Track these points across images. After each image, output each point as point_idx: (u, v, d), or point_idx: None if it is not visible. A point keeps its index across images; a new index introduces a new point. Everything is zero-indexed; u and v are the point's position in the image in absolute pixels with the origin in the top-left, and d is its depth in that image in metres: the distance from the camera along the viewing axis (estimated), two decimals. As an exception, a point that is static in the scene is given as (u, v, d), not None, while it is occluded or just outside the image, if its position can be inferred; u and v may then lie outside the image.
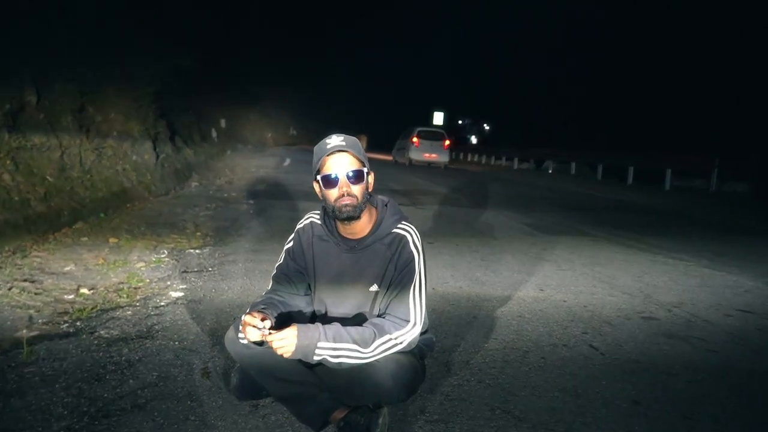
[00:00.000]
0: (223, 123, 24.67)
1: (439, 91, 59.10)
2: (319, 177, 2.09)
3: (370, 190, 2.17)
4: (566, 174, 22.31)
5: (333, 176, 2.06)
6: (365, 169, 2.10)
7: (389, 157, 27.01)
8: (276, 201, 9.11)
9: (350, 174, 2.06)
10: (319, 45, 57.37)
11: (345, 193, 2.06)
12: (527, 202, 11.59)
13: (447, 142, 23.11)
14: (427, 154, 22.82)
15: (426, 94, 58.97)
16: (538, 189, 15.17)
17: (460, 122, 63.88)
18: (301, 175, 13.92)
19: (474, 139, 58.74)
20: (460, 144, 42.72)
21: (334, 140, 2.08)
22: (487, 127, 59.58)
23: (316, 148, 2.13)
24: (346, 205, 2.07)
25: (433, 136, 23.23)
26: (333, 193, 2.09)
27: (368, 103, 62.86)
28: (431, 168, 22.01)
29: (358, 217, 2.11)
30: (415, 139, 22.88)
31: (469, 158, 33.76)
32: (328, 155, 2.07)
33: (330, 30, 62.18)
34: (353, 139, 2.13)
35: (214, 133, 21.84)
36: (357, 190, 2.07)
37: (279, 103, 41.57)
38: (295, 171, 15.32)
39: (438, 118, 50.96)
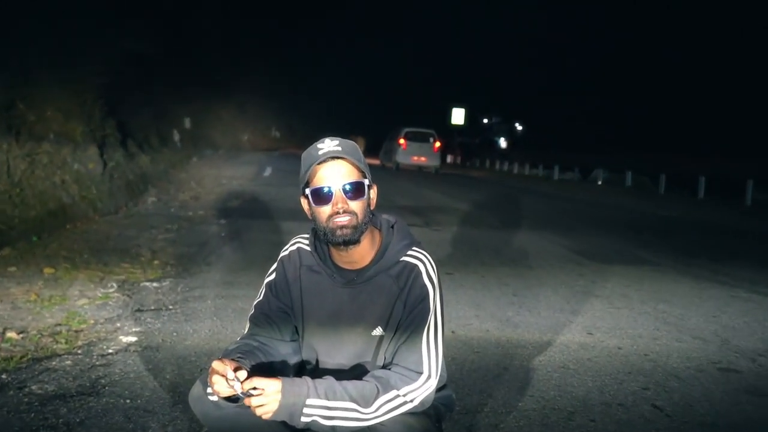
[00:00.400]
0: (187, 123, 24.84)
1: (459, 84, 59.69)
2: (308, 191, 2.10)
3: (372, 207, 2.18)
4: (620, 186, 22.37)
5: (325, 189, 2.07)
6: (366, 181, 2.11)
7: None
8: (254, 221, 9.13)
9: (347, 187, 2.07)
10: (308, 29, 58.04)
11: (341, 210, 2.07)
12: (571, 221, 11.59)
13: (437, 144, 25.31)
14: (415, 157, 24.92)
15: (443, 88, 59.51)
16: (585, 205, 15.17)
17: (485, 121, 64.16)
18: (286, 188, 13.97)
19: (503, 142, 58.94)
20: (486, 148, 42.90)
21: (327, 145, 2.09)
22: (519, 128, 59.82)
23: (304, 154, 2.14)
24: (343, 227, 2.07)
25: (422, 137, 25.17)
26: (325, 211, 2.09)
27: (369, 101, 63.28)
28: (447, 178, 22.33)
29: (358, 242, 2.12)
30: (402, 141, 24.88)
31: (497, 166, 33.88)
32: (319, 163, 2.08)
33: (321, 11, 62.86)
34: (351, 143, 2.13)
35: (176, 136, 21.98)
36: (356, 206, 2.08)
37: (258, 99, 41.88)
38: (278, 183, 15.39)
39: (457, 116, 51.22)
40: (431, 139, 25.25)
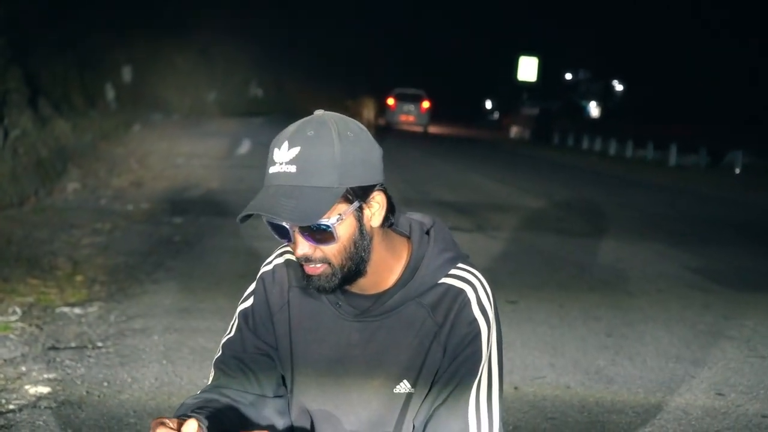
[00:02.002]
0: (127, 74, 24.97)
1: (528, 25, 59.42)
2: (266, 220, 2.12)
3: (376, 224, 2.15)
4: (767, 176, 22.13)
5: (282, 227, 2.09)
6: (335, 219, 2.07)
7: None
8: (223, 221, 9.16)
9: (305, 231, 2.08)
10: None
11: (302, 257, 2.08)
12: (693, 227, 11.51)
13: (425, 105, 39.64)
14: (403, 116, 39.52)
15: (505, 30, 59.39)
16: (716, 204, 15.05)
17: (569, 77, 63.98)
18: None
19: (594, 109, 58.75)
20: (568, 117, 42.74)
21: (281, 156, 2.07)
22: (618, 87, 59.53)
23: (270, 150, 2.14)
24: (311, 277, 2.10)
25: (412, 98, 39.72)
26: (293, 248, 2.13)
27: (394, 47, 63.28)
28: (508, 159, 22.94)
29: (357, 277, 2.14)
30: (390, 101, 39.63)
31: (584, 143, 33.73)
32: (267, 188, 2.12)
33: None
34: (323, 142, 2.09)
35: (110, 93, 22.11)
36: (328, 251, 2.08)
37: (231, 42, 41.84)
38: (260, 164, 15.18)
39: (527, 69, 51.25)
40: (420, 100, 39.45)
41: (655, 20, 46.01)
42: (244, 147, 19.81)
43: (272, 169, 2.06)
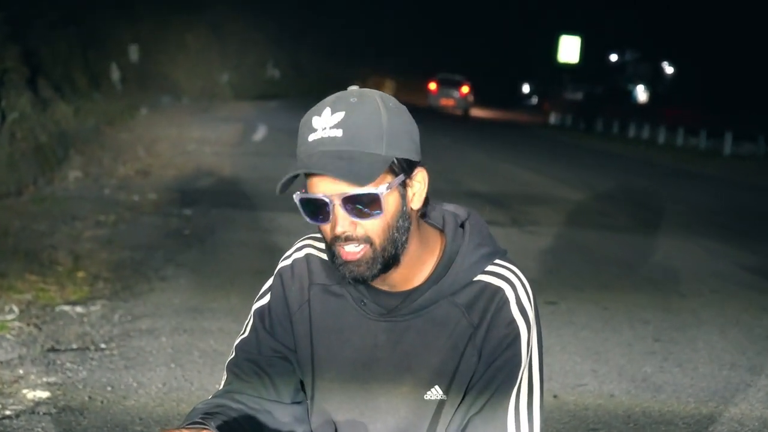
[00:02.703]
0: (133, 53, 25.09)
1: (569, 3, 59.22)
2: (296, 198, 2.09)
3: (417, 206, 2.14)
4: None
5: (318, 201, 2.06)
6: (384, 186, 2.05)
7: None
8: (236, 213, 9.19)
9: (351, 201, 2.04)
10: None
11: (342, 235, 2.06)
12: (750, 223, 11.44)
13: (464, 89, 46.68)
14: (443, 100, 46.33)
15: (544, 7, 59.19)
16: (775, 196, 14.97)
17: (614, 59, 63.70)
18: (286, 159, 14.05)
19: (642, 93, 58.45)
20: (614, 102, 42.57)
21: (322, 124, 2.05)
22: (668, 70, 59.19)
23: (300, 126, 2.11)
24: (348, 262, 2.07)
25: (452, 83, 47.10)
26: (326, 230, 2.09)
27: (426, 25, 63.32)
28: (547, 147, 23.16)
29: (393, 265, 2.11)
30: (432, 86, 47.29)
31: (631, 131, 33.60)
32: (309, 155, 2.07)
33: None
34: (367, 111, 2.08)
35: (115, 74, 22.23)
36: (370, 228, 2.04)
37: (245, 19, 42.02)
38: (276, 152, 15.46)
39: (568, 48, 51.06)
40: (460, 85, 46.76)
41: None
42: (260, 133, 19.85)
43: (313, 136, 2.03)
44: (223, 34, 39.34)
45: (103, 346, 4.78)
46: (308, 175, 2.04)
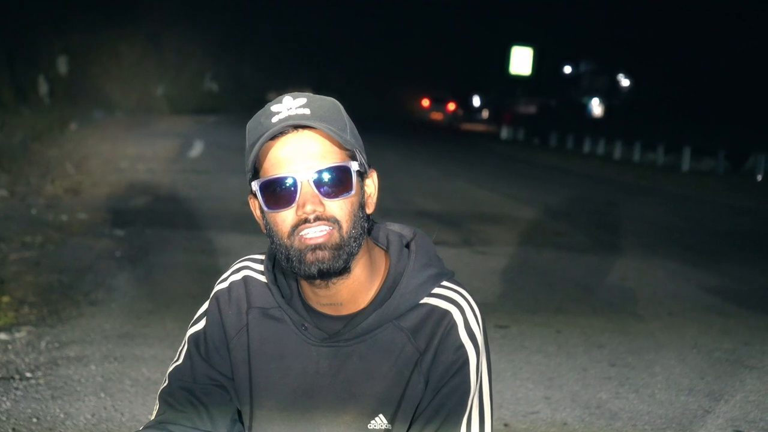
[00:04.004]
0: (63, 65, 24.93)
1: (522, 13, 59.67)
2: (255, 184, 2.07)
3: (370, 210, 2.15)
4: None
5: (285, 182, 2.04)
6: (355, 164, 2.07)
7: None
8: (172, 233, 9.14)
9: (322, 176, 2.04)
10: None
11: (311, 216, 2.05)
12: (710, 242, 11.55)
13: (450, 106, 59.66)
14: (434, 115, 59.29)
15: (495, 17, 59.53)
16: (734, 214, 15.12)
17: (567, 70, 64.29)
18: (227, 177, 14.00)
19: (596, 106, 58.99)
20: (568, 116, 42.97)
21: (287, 105, 2.05)
22: (624, 82, 59.83)
23: (250, 123, 2.10)
24: (317, 247, 2.05)
25: (441, 100, 60.22)
26: (286, 219, 2.06)
27: (373, 36, 63.49)
28: (499, 164, 23.20)
29: (346, 271, 2.10)
30: (425, 102, 60.79)
31: (585, 146, 33.90)
32: (273, 138, 2.05)
33: None
34: (329, 102, 2.09)
35: (43, 86, 22.06)
36: (338, 208, 2.03)
37: (182, 29, 41.95)
38: (215, 168, 15.44)
39: (521, 60, 51.41)
40: (447, 102, 59.86)
41: (666, 4, 46.32)
42: (197, 149, 19.83)
43: (277, 117, 2.05)
44: (160, 45, 39.25)
45: (28, 375, 4.72)
46: (270, 149, 2.05)
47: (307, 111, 2.05)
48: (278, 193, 2.07)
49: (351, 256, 2.10)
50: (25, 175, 12.92)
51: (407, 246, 2.25)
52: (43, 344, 5.26)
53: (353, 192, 2.06)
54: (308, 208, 2.03)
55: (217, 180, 13.61)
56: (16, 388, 4.51)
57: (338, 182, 2.05)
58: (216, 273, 2.35)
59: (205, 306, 2.31)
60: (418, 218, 10.71)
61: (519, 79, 55.63)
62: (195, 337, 2.29)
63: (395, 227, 2.30)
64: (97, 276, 7.10)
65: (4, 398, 4.37)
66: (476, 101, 77.56)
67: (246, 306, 2.27)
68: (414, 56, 66.59)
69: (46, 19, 22.65)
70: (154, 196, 11.84)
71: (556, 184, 18.59)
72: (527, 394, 4.92)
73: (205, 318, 2.30)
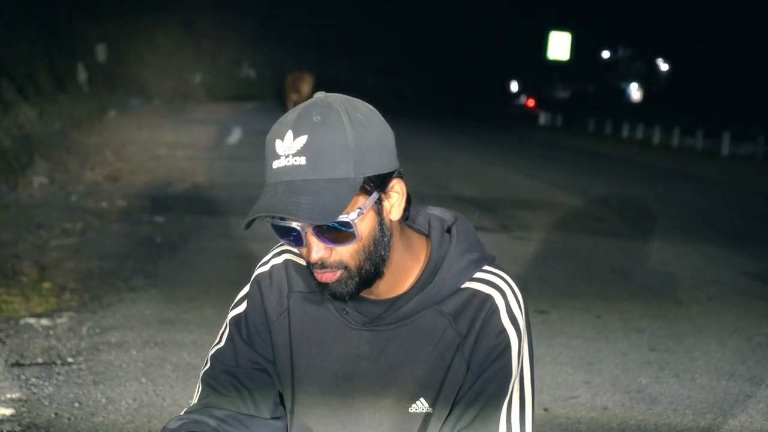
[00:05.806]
0: (101, 53, 24.99)
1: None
2: (269, 222, 2.08)
3: (395, 217, 2.12)
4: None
5: (292, 231, 2.04)
6: (356, 214, 2.03)
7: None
8: (211, 220, 9.16)
9: (320, 233, 2.03)
10: None
11: (317, 262, 2.05)
12: (749, 227, 11.47)
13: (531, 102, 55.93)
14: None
15: (532, 2, 59.37)
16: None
17: (606, 56, 63.90)
18: (264, 163, 13.99)
19: (635, 91, 58.62)
20: (606, 101, 42.69)
21: (284, 147, 2.02)
22: (663, 67, 59.37)
23: (266, 141, 2.09)
24: (325, 285, 2.07)
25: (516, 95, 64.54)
26: (302, 252, 2.09)
27: (408, 23, 63.49)
28: (536, 149, 23.00)
29: (378, 277, 2.10)
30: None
31: (624, 131, 33.66)
32: (274, 186, 2.05)
33: None
34: (332, 132, 2.02)
35: (82, 75, 22.13)
36: (346, 252, 2.04)
37: (219, 17, 41.95)
38: (252, 155, 15.38)
39: (558, 46, 51.15)
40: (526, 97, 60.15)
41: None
42: (234, 136, 19.80)
43: (276, 164, 1.99)
44: (196, 32, 39.21)
45: (70, 360, 4.76)
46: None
47: (302, 161, 1.96)
48: (288, 238, 2.07)
49: (370, 276, 2.08)
50: (65, 163, 12.99)
51: (448, 231, 2.24)
52: (84, 330, 5.31)
53: (357, 237, 2.03)
54: (314, 256, 2.02)
55: (255, 166, 13.58)
56: (58, 373, 4.55)
57: (339, 234, 2.02)
58: (254, 259, 2.35)
59: (246, 289, 2.30)
60: (455, 204, 10.67)
61: (557, 65, 55.33)
62: (236, 319, 2.29)
63: (436, 211, 2.28)
64: (136, 262, 7.15)
65: (47, 383, 4.41)
66: (514, 87, 77.36)
67: (287, 290, 2.26)
68: (449, 43, 66.14)
69: (84, 7, 22.70)
70: (192, 183, 11.88)
71: (594, 169, 18.50)
72: (567, 379, 4.92)
73: (246, 301, 2.29)
